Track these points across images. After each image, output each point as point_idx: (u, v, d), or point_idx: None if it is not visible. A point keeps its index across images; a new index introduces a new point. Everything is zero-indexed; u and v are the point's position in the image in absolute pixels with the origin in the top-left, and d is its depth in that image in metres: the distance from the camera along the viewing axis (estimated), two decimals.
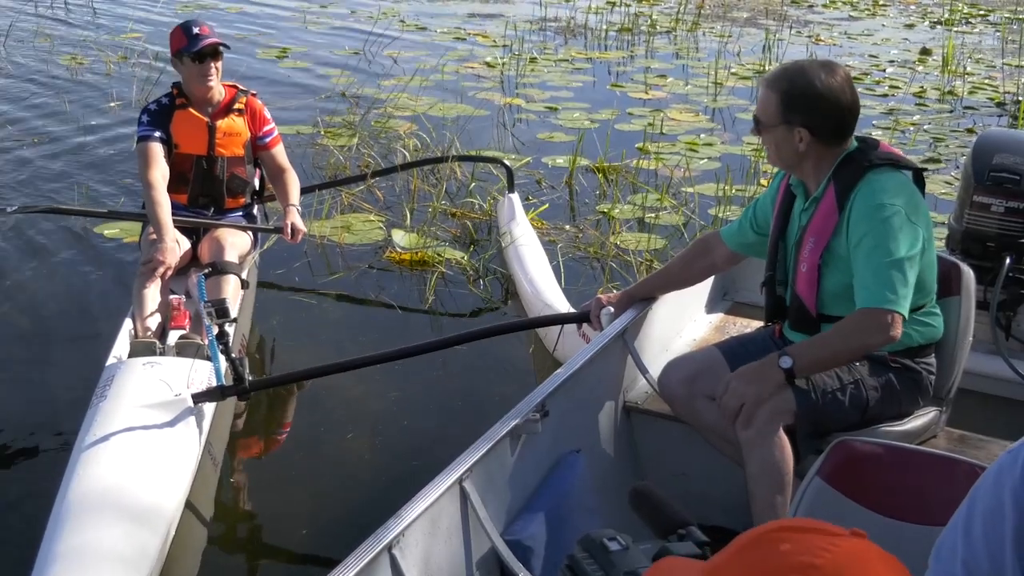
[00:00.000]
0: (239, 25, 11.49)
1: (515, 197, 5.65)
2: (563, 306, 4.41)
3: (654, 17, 13.03)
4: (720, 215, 6.00)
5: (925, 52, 11.39)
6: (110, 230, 5.62)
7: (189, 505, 3.11)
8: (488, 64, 10.00)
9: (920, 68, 10.66)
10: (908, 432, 2.79)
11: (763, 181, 6.51)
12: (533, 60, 10.22)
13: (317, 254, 5.42)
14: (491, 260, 5.36)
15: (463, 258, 5.34)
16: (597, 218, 6.06)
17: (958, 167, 7.01)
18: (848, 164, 2.71)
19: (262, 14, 12.33)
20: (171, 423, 3.17)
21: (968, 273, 2.95)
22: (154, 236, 3.96)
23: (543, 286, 4.66)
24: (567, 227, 5.90)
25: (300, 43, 10.73)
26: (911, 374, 2.78)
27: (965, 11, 14.78)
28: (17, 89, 8.59)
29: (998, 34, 12.20)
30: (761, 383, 2.63)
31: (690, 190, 6.42)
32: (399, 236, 5.60)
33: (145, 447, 3.07)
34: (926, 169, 3.00)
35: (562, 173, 6.77)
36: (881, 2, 15.42)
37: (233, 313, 3.39)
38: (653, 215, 6.01)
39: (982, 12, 14.74)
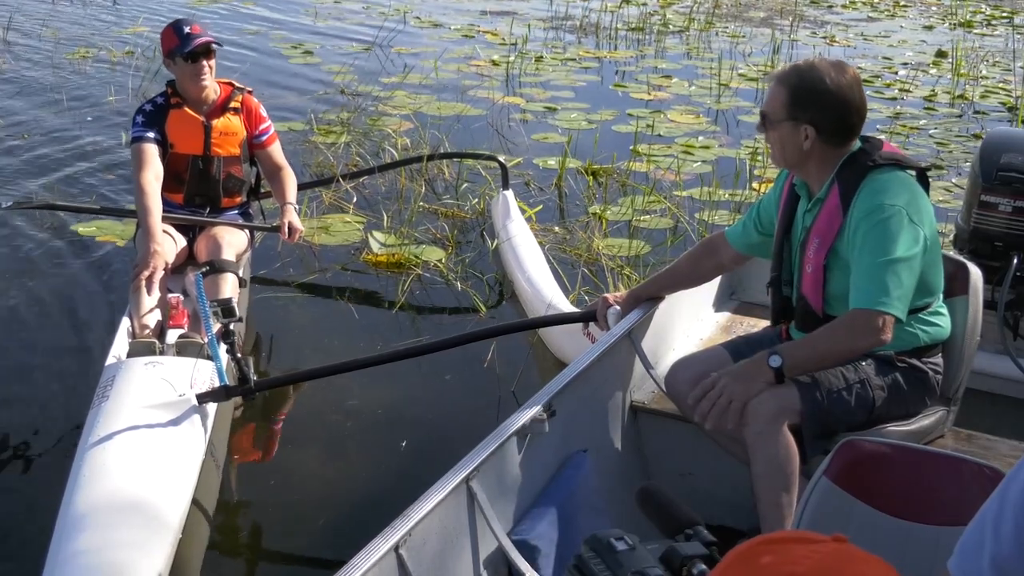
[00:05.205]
0: (255, 21, 11.47)
1: (510, 194, 5.55)
2: (563, 304, 4.39)
3: (667, 16, 12.92)
4: (709, 219, 5.93)
5: (941, 54, 11.15)
6: (85, 228, 5.54)
7: (194, 506, 3.10)
8: (493, 62, 9.93)
9: (934, 71, 10.51)
10: (915, 432, 2.78)
11: (755, 186, 6.45)
12: (539, 59, 10.13)
13: (295, 255, 5.30)
14: (473, 261, 5.30)
15: (440, 260, 5.26)
16: (586, 220, 5.97)
17: (960, 173, 6.95)
18: (851, 164, 2.71)
19: (275, 8, 12.28)
20: (175, 423, 3.15)
21: (976, 273, 2.94)
22: None
23: (542, 284, 4.63)
24: (556, 228, 5.84)
25: (310, 39, 10.68)
26: (918, 374, 2.77)
27: (988, 13, 14.60)
28: (16, 81, 8.53)
29: (1020, 37, 12.06)
30: (750, 381, 2.62)
31: (681, 194, 6.33)
32: (377, 237, 5.49)
33: (150, 448, 3.06)
34: (930, 168, 2.98)
35: (553, 175, 6.67)
36: (902, 3, 15.22)
37: (238, 312, 3.39)
38: (640, 218, 5.93)
39: (1005, 15, 14.53)
